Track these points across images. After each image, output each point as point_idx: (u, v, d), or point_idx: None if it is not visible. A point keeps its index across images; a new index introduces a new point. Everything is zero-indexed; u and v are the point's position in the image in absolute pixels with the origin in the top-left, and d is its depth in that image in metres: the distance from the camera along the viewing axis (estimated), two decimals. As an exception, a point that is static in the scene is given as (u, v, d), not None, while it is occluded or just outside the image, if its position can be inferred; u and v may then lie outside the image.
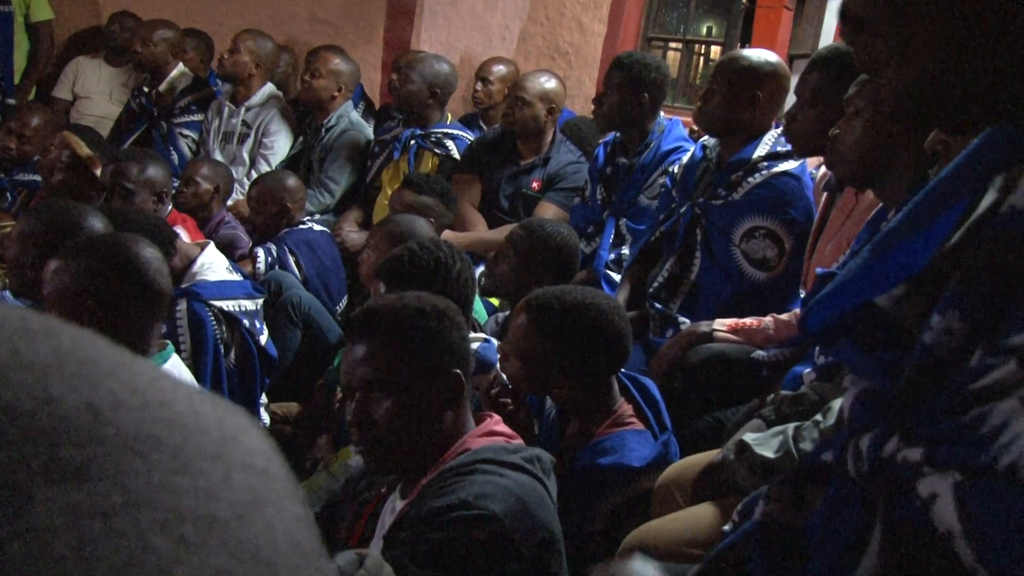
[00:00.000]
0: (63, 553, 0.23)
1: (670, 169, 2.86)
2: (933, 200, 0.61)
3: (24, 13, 4.79)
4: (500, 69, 4.22)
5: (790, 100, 2.40)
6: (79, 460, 0.24)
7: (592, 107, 3.25)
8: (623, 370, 1.95)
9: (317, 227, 3.39)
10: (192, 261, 2.53)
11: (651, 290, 2.64)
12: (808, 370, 1.81)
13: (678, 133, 3.07)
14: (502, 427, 1.49)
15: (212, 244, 2.67)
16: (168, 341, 2.00)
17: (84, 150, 2.99)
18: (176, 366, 1.95)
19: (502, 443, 1.43)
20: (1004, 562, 0.44)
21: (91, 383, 0.26)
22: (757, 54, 2.60)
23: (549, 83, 3.51)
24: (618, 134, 3.14)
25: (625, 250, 3.04)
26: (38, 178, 3.61)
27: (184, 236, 2.83)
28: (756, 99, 2.50)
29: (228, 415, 0.30)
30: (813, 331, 0.65)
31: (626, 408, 1.89)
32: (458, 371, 1.44)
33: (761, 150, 2.51)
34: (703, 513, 1.62)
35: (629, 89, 2.97)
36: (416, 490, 1.41)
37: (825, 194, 2.24)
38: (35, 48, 4.88)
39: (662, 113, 3.10)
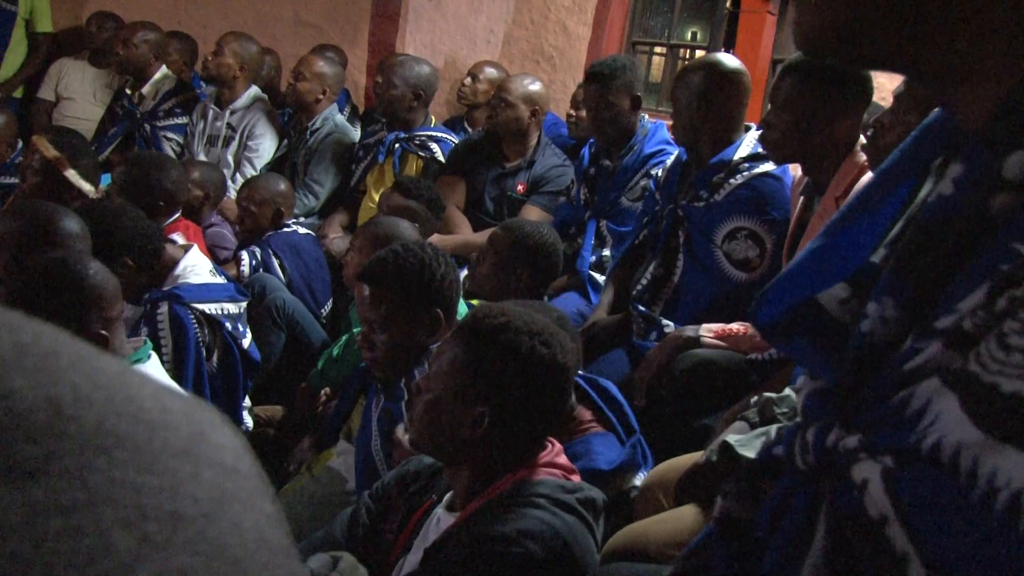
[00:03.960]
0: (21, 551, 0.22)
1: (653, 172, 2.86)
2: (876, 188, 0.61)
3: (27, 19, 4.85)
4: (491, 71, 4.25)
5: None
6: (38, 456, 0.24)
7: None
8: (580, 373, 1.93)
9: (302, 230, 3.38)
10: (175, 263, 2.51)
11: (635, 292, 2.64)
12: None
13: (661, 136, 3.07)
14: (562, 459, 1.45)
15: (196, 247, 2.65)
16: (144, 339, 1.98)
17: (51, 152, 2.96)
18: (154, 367, 1.93)
19: (560, 479, 1.39)
20: (933, 546, 0.44)
21: (52, 377, 0.25)
22: (704, 62, 2.62)
23: (533, 86, 3.51)
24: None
25: (606, 252, 3.05)
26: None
27: (181, 240, 2.81)
28: (716, 105, 2.50)
29: (197, 411, 0.30)
30: (763, 325, 0.64)
31: (584, 414, 1.88)
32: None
33: (742, 151, 2.51)
34: (687, 514, 1.62)
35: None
36: (466, 511, 1.38)
37: (802, 198, 2.23)
38: (30, 56, 4.93)
39: (646, 116, 3.10)
